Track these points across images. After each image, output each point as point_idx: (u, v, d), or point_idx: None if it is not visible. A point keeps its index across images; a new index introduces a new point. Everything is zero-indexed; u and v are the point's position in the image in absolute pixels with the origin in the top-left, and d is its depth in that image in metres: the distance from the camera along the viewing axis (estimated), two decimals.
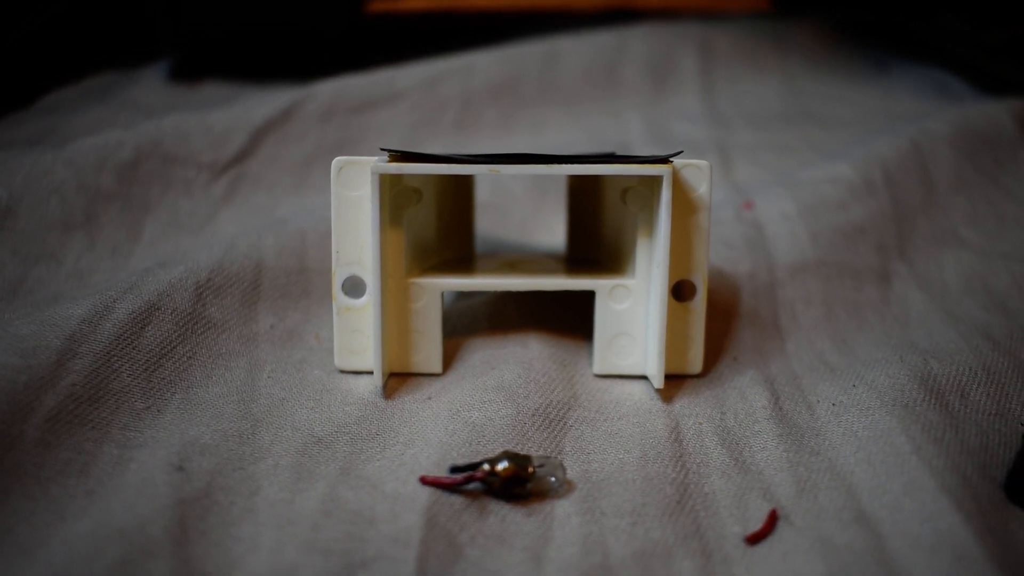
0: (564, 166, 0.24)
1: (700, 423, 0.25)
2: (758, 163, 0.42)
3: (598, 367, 0.27)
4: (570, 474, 0.23)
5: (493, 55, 0.49)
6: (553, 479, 0.22)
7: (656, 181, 0.25)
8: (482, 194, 0.36)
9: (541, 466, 0.22)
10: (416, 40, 0.57)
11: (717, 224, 0.34)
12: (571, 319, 0.29)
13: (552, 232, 0.36)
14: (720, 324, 0.29)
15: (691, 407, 0.26)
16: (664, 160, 0.24)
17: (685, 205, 0.25)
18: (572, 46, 0.51)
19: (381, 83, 0.45)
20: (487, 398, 0.25)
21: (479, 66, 0.48)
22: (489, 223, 0.36)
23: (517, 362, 0.26)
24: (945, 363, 0.26)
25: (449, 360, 0.27)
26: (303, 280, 0.30)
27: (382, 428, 0.24)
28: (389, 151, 0.25)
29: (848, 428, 0.24)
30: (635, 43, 0.52)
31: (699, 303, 0.26)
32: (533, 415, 0.24)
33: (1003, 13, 0.48)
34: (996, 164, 0.40)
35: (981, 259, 0.34)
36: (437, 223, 0.29)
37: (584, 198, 0.30)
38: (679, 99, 0.50)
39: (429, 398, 0.26)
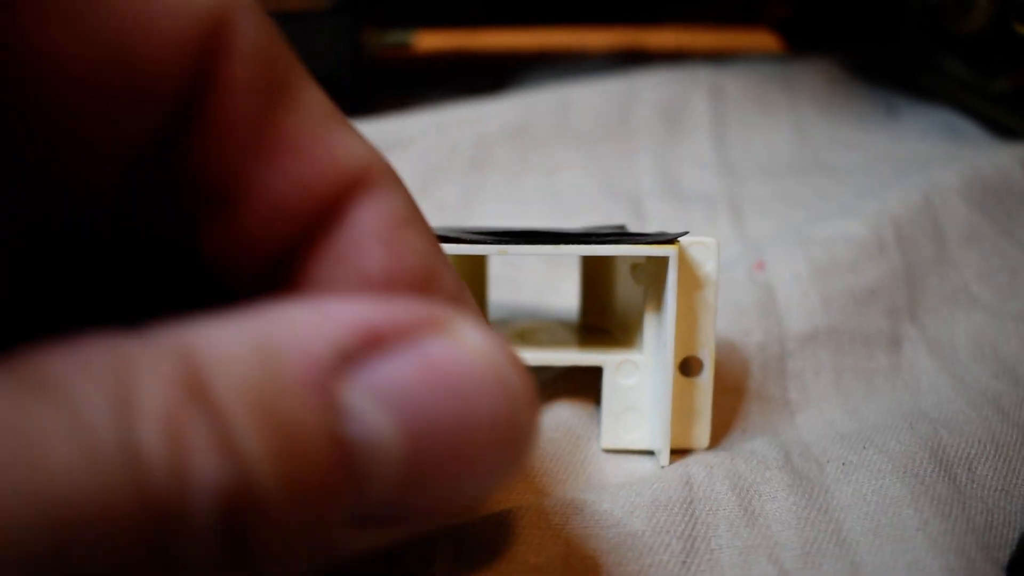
0: (571, 246, 0.25)
1: (711, 466, 0.25)
2: (769, 215, 0.43)
3: (606, 441, 0.27)
4: (580, 517, 0.23)
5: (505, 103, 0.50)
6: None
7: (663, 260, 0.25)
8: (496, 258, 0.36)
9: None
10: (427, 81, 0.58)
11: (729, 286, 0.34)
12: (583, 386, 0.29)
13: (565, 296, 0.36)
14: (730, 399, 0.29)
15: (704, 456, 0.26)
16: (671, 240, 0.25)
17: (692, 282, 0.25)
18: (583, 94, 0.51)
19: (392, 130, 0.46)
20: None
21: (491, 113, 0.49)
22: (503, 287, 0.37)
23: None
24: (955, 434, 0.27)
25: None
26: None
27: None
28: None
29: (857, 489, 0.24)
30: (646, 90, 0.53)
31: (706, 378, 0.26)
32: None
33: (1008, 62, 0.48)
34: (1007, 215, 0.40)
35: (992, 320, 0.34)
36: None
37: (597, 268, 0.31)
38: (690, 146, 0.50)
39: None
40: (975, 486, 0.25)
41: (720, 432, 0.28)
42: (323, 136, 0.17)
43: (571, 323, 0.32)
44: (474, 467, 0.15)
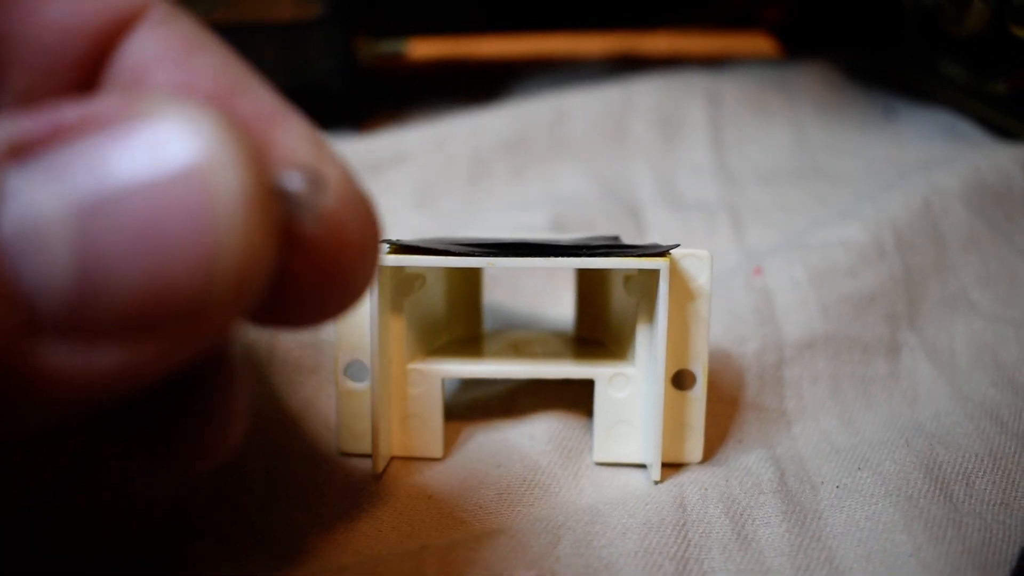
0: (560, 259, 0.24)
1: (706, 489, 0.25)
2: (768, 222, 0.42)
3: (598, 455, 0.27)
4: (572, 536, 0.22)
5: (501, 113, 0.50)
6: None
7: (655, 273, 0.24)
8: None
9: None
10: (422, 90, 0.58)
11: (726, 293, 0.34)
12: (578, 397, 0.29)
13: (564, 305, 0.36)
14: (726, 408, 0.29)
15: (698, 476, 0.26)
16: (662, 253, 0.24)
17: (685, 295, 0.25)
18: (579, 103, 0.51)
19: (388, 146, 0.46)
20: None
21: (487, 124, 0.48)
22: (504, 291, 0.36)
23: (520, 457, 0.27)
24: (951, 449, 0.26)
25: (451, 443, 0.27)
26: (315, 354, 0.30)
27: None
28: (388, 242, 0.25)
29: (851, 516, 0.24)
30: (642, 97, 0.52)
31: (699, 392, 0.26)
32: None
33: (1005, 65, 0.47)
34: (1007, 219, 0.40)
35: (991, 326, 0.34)
36: (444, 303, 0.29)
37: (591, 280, 0.30)
38: (688, 153, 0.50)
39: (429, 497, 0.26)
40: (973, 502, 0.24)
41: (715, 443, 0.28)
42: None
43: (566, 334, 0.32)
44: (160, 244, 0.13)
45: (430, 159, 0.47)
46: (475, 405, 0.29)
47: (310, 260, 0.16)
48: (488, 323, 0.34)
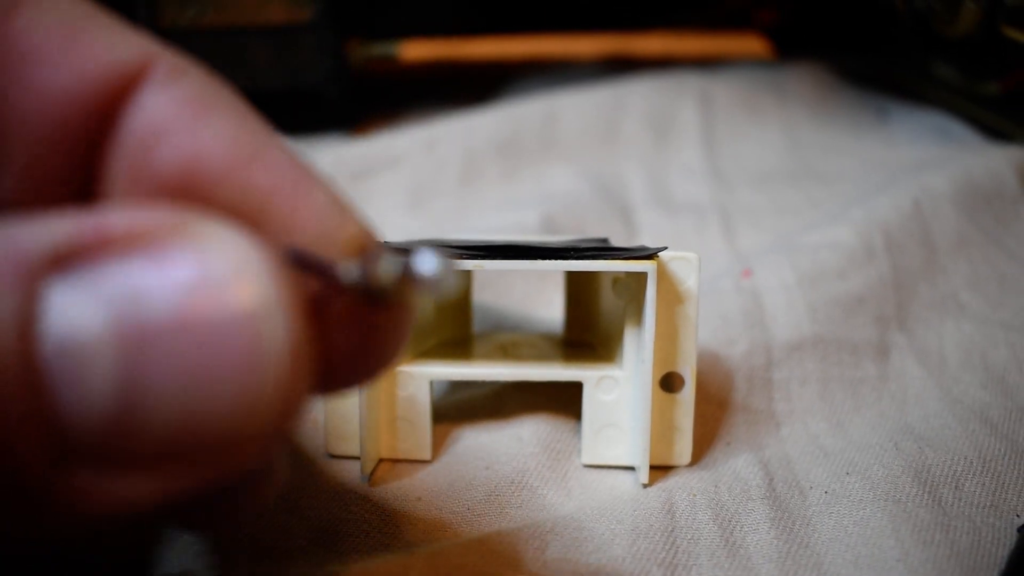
0: (548, 262, 0.24)
1: (694, 495, 0.25)
2: (759, 224, 0.42)
3: (586, 457, 0.27)
4: (560, 541, 0.22)
5: (493, 115, 0.50)
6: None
7: (643, 275, 0.24)
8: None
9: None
10: (415, 92, 0.58)
11: (715, 295, 0.34)
12: (567, 399, 0.29)
13: (554, 306, 0.36)
14: (714, 410, 0.29)
15: (686, 481, 0.26)
16: (650, 256, 0.24)
17: (673, 297, 0.25)
18: (572, 104, 0.51)
19: (381, 148, 0.46)
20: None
21: (479, 126, 0.48)
22: (494, 291, 0.36)
23: (509, 457, 0.27)
24: (940, 452, 0.26)
25: (440, 445, 0.27)
26: None
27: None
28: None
29: (839, 521, 0.24)
30: (635, 99, 0.52)
31: (687, 394, 0.26)
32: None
33: (997, 66, 0.48)
34: (997, 222, 0.40)
35: (981, 328, 0.34)
36: (432, 305, 0.29)
37: (580, 282, 0.30)
38: (680, 155, 0.50)
39: (419, 498, 0.26)
40: (962, 504, 0.24)
41: (704, 445, 0.28)
42: (71, 38, 0.15)
43: (555, 336, 0.31)
44: (205, 382, 0.13)
45: (422, 161, 0.47)
46: (464, 407, 0.29)
47: (355, 336, 0.16)
48: (478, 324, 0.34)
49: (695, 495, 0.25)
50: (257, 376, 0.13)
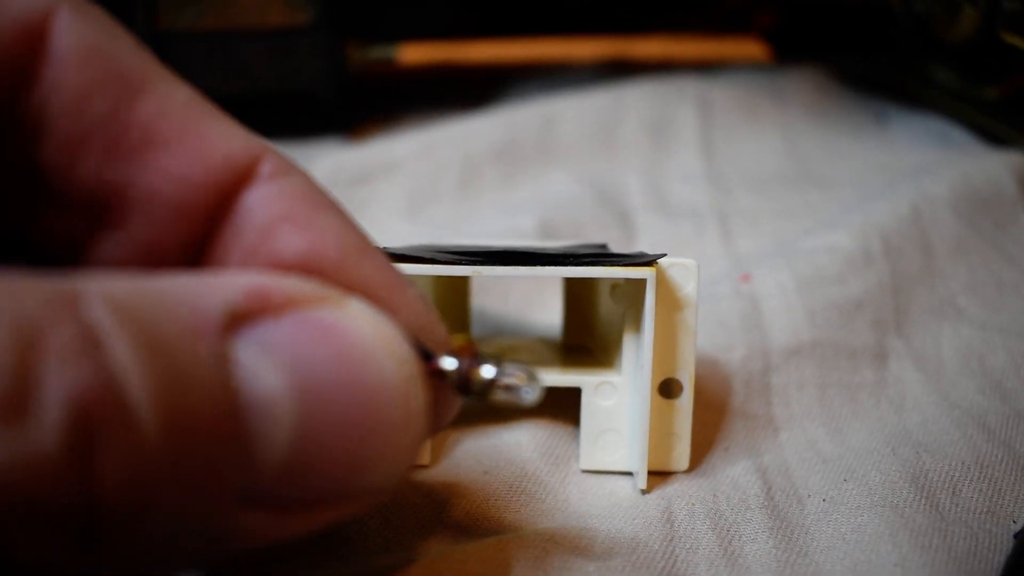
0: (546, 268, 0.24)
1: (693, 504, 0.25)
2: (758, 228, 0.42)
3: (584, 463, 0.27)
4: (560, 548, 0.22)
5: (491, 119, 0.50)
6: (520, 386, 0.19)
7: (642, 282, 0.24)
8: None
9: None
10: (413, 96, 0.58)
11: (714, 301, 0.34)
12: (565, 404, 0.29)
13: (552, 311, 0.36)
14: (713, 415, 0.29)
15: (685, 489, 0.26)
16: (649, 262, 0.24)
17: (671, 304, 0.25)
18: (570, 108, 0.51)
19: (379, 153, 0.46)
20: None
21: (477, 131, 0.48)
22: (493, 295, 0.36)
23: (508, 462, 0.26)
24: (938, 457, 0.26)
25: (438, 449, 0.27)
26: None
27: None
28: None
29: (837, 529, 0.24)
30: (633, 103, 0.52)
31: (686, 400, 0.26)
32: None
33: (997, 71, 0.48)
34: (996, 227, 0.40)
35: (979, 334, 0.34)
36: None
37: (579, 288, 0.30)
38: (679, 159, 0.50)
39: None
40: (959, 510, 0.24)
41: (702, 450, 0.28)
42: (191, 127, 0.16)
43: (554, 341, 0.32)
44: (367, 437, 0.15)
45: (420, 166, 0.47)
46: (462, 412, 0.29)
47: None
48: (476, 330, 0.34)
49: (694, 504, 0.25)
50: (409, 433, 0.15)
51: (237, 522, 0.14)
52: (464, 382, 0.18)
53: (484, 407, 0.29)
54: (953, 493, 0.25)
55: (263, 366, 0.14)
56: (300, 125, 0.50)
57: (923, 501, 0.25)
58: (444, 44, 0.63)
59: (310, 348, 0.14)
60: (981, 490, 0.25)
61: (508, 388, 0.18)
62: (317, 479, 0.14)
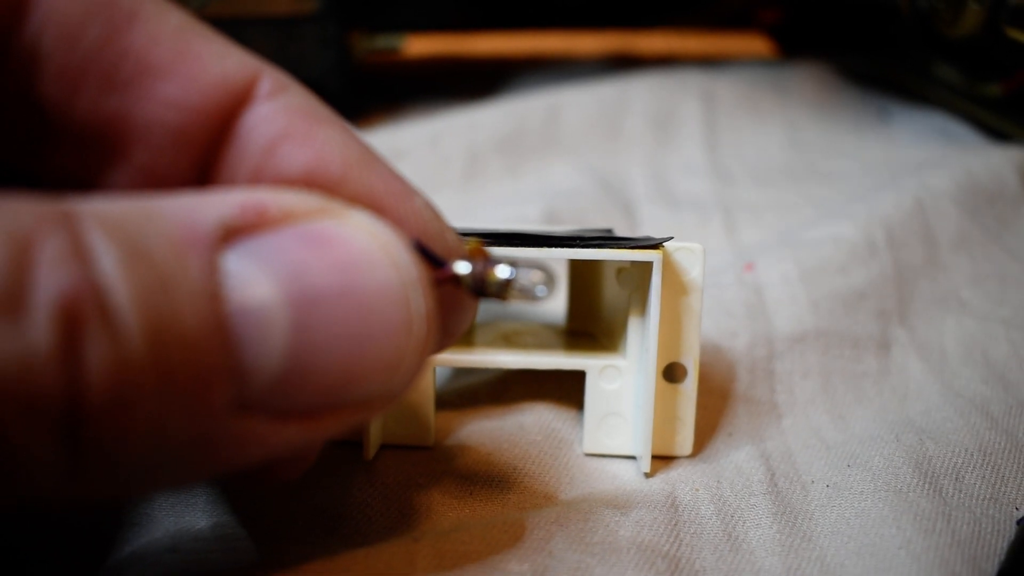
0: (554, 250, 0.24)
1: (697, 489, 0.25)
2: (761, 221, 0.42)
3: (588, 446, 0.27)
4: (565, 531, 0.22)
5: (496, 110, 0.50)
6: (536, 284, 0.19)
7: (647, 265, 0.25)
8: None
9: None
10: (417, 87, 0.58)
11: (717, 289, 0.34)
12: (569, 388, 0.29)
13: (556, 297, 0.36)
14: (716, 401, 0.29)
15: (688, 474, 0.26)
16: (656, 246, 0.24)
17: (677, 288, 0.25)
18: (575, 100, 0.51)
19: (383, 142, 0.46)
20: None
21: (482, 122, 0.48)
22: None
23: (512, 445, 0.27)
24: (941, 444, 0.26)
25: (442, 432, 0.27)
26: None
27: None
28: None
29: (841, 515, 0.24)
30: (637, 96, 0.52)
31: (690, 385, 0.26)
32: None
33: (999, 67, 0.48)
34: (999, 222, 0.40)
35: (982, 325, 0.34)
36: None
37: (583, 272, 0.30)
38: (683, 152, 0.50)
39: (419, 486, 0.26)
40: (962, 496, 0.24)
41: (706, 435, 0.28)
42: (185, 52, 0.17)
43: (558, 326, 0.32)
44: (364, 343, 0.15)
45: (425, 156, 0.47)
46: (466, 394, 0.29)
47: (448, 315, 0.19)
48: (480, 313, 0.34)
49: (698, 490, 0.25)
50: (407, 337, 0.15)
51: (230, 429, 0.14)
52: (480, 284, 0.18)
53: (487, 397, 0.29)
54: (956, 479, 0.25)
55: (255, 276, 0.14)
56: None
57: (927, 487, 0.25)
58: (449, 36, 0.63)
59: (304, 257, 0.14)
60: (984, 476, 0.25)
61: (524, 288, 0.18)
62: (314, 386, 0.15)
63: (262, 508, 0.24)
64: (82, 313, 0.12)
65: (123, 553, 0.22)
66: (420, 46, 0.61)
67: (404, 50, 0.55)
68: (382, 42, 0.54)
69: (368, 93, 0.56)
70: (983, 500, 0.24)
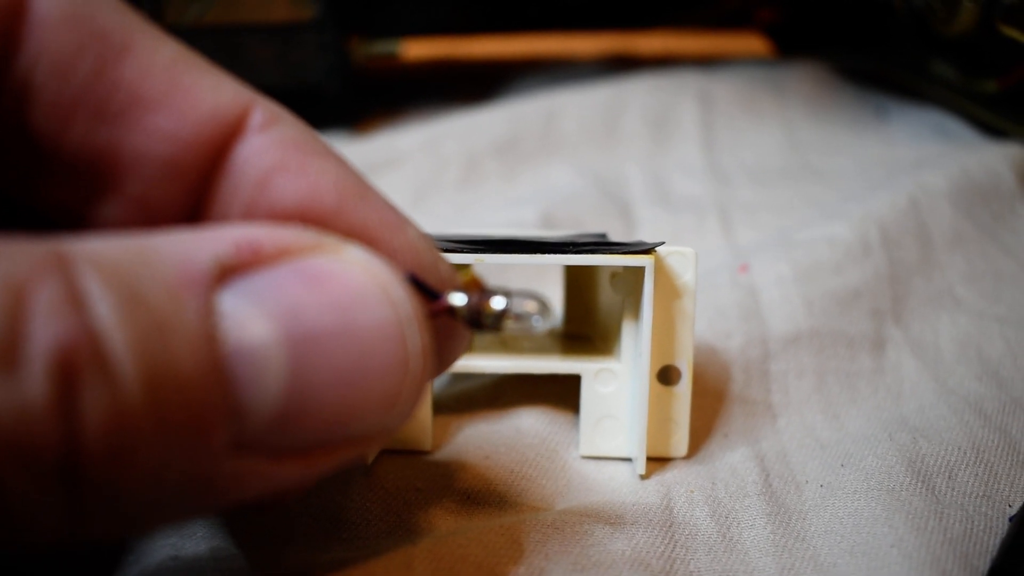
0: (547, 256, 0.25)
1: (692, 491, 0.25)
2: (758, 221, 0.43)
3: (584, 449, 0.27)
4: (561, 533, 0.23)
5: (494, 113, 0.50)
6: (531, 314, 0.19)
7: (641, 270, 0.25)
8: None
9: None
10: (416, 91, 0.58)
11: (712, 290, 0.34)
12: (565, 391, 0.29)
13: (552, 301, 0.36)
14: (711, 402, 0.29)
15: (683, 476, 0.26)
16: (648, 251, 0.25)
17: (670, 292, 0.25)
18: (572, 102, 0.51)
19: (382, 147, 0.46)
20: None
21: (480, 125, 0.49)
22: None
23: (508, 450, 0.27)
24: (934, 442, 0.27)
25: (440, 435, 0.28)
26: None
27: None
28: None
29: (834, 514, 0.24)
30: (635, 97, 0.53)
31: (684, 387, 0.26)
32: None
33: (995, 64, 0.48)
34: (994, 219, 0.40)
35: (976, 322, 0.34)
36: None
37: (579, 276, 0.31)
38: (679, 152, 0.50)
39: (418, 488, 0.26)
40: (955, 494, 0.25)
41: (701, 437, 0.28)
42: (177, 84, 0.17)
43: (554, 330, 0.32)
44: (361, 381, 0.15)
45: (424, 159, 0.47)
46: (463, 398, 0.29)
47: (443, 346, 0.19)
48: None
49: (692, 491, 0.25)
50: (404, 374, 0.15)
51: (228, 468, 0.14)
52: (475, 316, 0.18)
53: (484, 402, 0.30)
54: (949, 477, 0.25)
55: (251, 316, 0.14)
56: (305, 120, 0.50)
57: (920, 485, 0.25)
58: (447, 39, 0.64)
59: (300, 296, 0.14)
60: (977, 475, 0.25)
61: (519, 317, 0.18)
62: (311, 424, 0.15)
63: (262, 512, 0.24)
64: (78, 363, 0.12)
65: (127, 562, 0.22)
66: (418, 50, 0.61)
67: (402, 54, 0.55)
68: (380, 47, 0.55)
69: (367, 98, 0.56)
70: (976, 498, 0.25)
